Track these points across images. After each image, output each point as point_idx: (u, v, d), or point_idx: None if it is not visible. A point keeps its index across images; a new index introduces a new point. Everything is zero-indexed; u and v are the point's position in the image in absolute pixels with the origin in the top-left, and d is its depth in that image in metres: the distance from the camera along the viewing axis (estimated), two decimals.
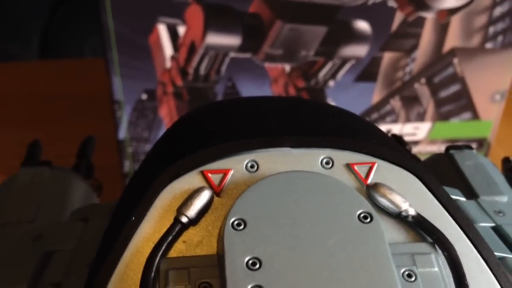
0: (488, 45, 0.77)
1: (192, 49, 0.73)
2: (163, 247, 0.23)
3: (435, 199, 0.26)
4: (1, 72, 0.94)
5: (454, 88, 0.81)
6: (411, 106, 0.82)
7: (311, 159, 0.26)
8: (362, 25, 0.75)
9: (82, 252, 0.29)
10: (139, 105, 0.76)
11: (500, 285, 0.25)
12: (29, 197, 0.36)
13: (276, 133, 0.27)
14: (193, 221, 0.24)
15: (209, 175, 0.25)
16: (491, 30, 0.77)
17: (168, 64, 0.74)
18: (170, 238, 0.24)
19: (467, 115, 0.83)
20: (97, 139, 0.49)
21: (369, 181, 0.26)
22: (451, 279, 0.24)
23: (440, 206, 0.26)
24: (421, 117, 0.84)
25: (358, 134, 0.27)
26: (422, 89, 0.80)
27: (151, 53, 0.73)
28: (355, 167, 0.26)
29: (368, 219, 0.23)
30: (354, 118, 0.30)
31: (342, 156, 0.26)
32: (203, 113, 0.30)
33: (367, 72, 0.79)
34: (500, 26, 0.77)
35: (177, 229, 0.24)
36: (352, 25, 0.74)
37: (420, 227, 0.25)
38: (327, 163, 0.26)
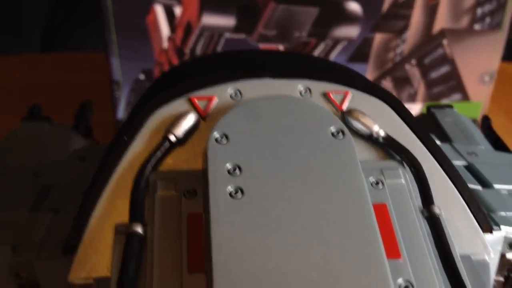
0: (477, 27, 0.79)
1: (188, 30, 0.75)
2: (153, 161, 0.26)
3: (405, 125, 0.28)
4: (2, 65, 0.96)
5: (444, 69, 0.83)
6: (402, 87, 0.84)
7: (290, 88, 0.28)
8: (353, 6, 0.77)
9: (79, 185, 0.31)
10: (137, 85, 0.78)
11: (462, 197, 0.27)
12: (30, 148, 0.38)
13: (259, 67, 0.29)
14: (181, 141, 0.26)
15: (196, 101, 0.28)
16: (479, 11, 0.79)
17: (165, 44, 0.76)
18: (159, 154, 0.26)
19: (457, 96, 0.85)
20: (96, 127, 0.50)
21: (343, 107, 0.28)
22: (418, 193, 0.26)
23: (409, 130, 0.28)
24: (412, 98, 0.86)
25: (335, 68, 0.30)
26: (412, 70, 0.82)
27: (148, 33, 0.75)
28: (331, 95, 0.28)
29: (341, 135, 0.26)
30: (334, 63, 0.32)
31: (319, 86, 0.28)
32: (190, 61, 0.32)
33: (359, 53, 0.81)
34: (487, 7, 0.79)
35: (165, 146, 0.26)
36: (344, 6, 0.76)
37: (389, 147, 0.27)
38: (305, 91, 0.28)
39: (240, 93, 0.28)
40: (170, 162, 0.26)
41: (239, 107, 0.26)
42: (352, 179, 0.24)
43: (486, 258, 0.26)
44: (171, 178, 0.25)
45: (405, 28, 0.79)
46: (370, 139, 0.27)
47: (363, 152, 0.27)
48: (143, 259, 0.23)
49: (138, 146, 0.27)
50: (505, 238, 0.29)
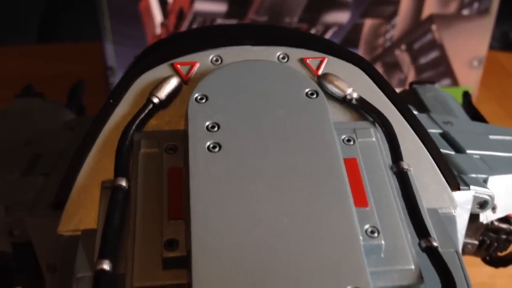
0: (465, 12, 0.81)
1: (180, 16, 0.77)
2: (137, 122, 0.27)
3: (378, 89, 0.30)
4: (1, 54, 0.97)
5: (433, 55, 0.84)
6: (392, 72, 0.85)
7: (269, 54, 0.30)
8: None
9: (69, 152, 0.32)
10: None
11: (431, 155, 0.28)
12: (22, 120, 0.39)
13: (239, 36, 0.30)
14: (164, 103, 0.28)
15: (178, 66, 0.29)
16: None
17: (158, 30, 0.77)
18: (143, 115, 0.27)
19: (446, 81, 0.86)
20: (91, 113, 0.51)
21: (319, 72, 0.29)
22: (389, 152, 0.27)
23: (382, 94, 0.29)
24: (402, 84, 0.87)
25: (313, 38, 0.31)
26: (402, 55, 0.84)
27: (141, 20, 0.77)
28: (308, 61, 0.30)
29: (315, 96, 0.27)
30: (312, 34, 0.34)
31: (297, 52, 0.30)
32: (175, 33, 0.34)
33: (349, 39, 0.82)
34: None
35: (149, 107, 0.27)
36: None
37: (362, 108, 0.28)
38: (283, 57, 0.30)
39: (221, 59, 0.29)
40: (154, 123, 0.28)
41: (218, 69, 0.28)
42: (324, 135, 0.25)
43: (453, 212, 0.27)
44: (154, 137, 0.27)
45: (394, 13, 0.80)
46: (344, 101, 0.29)
47: (337, 114, 0.28)
48: (127, 212, 0.25)
49: (123, 109, 0.28)
50: (475, 197, 0.30)
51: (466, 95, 0.47)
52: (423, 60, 0.84)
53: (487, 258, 0.39)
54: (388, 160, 0.27)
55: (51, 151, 0.34)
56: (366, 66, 0.30)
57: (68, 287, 0.25)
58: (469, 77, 0.86)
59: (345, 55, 0.30)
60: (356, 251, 0.22)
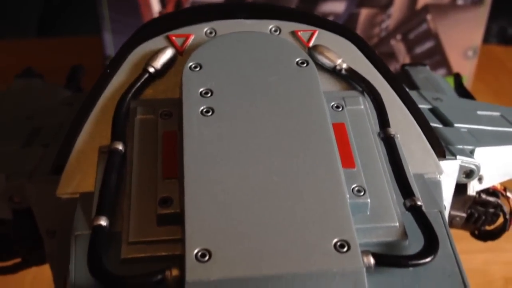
0: (459, 2, 0.82)
1: (178, 5, 0.78)
2: (133, 90, 0.28)
3: (368, 61, 0.30)
4: (0, 49, 0.98)
5: (428, 45, 0.85)
6: (388, 62, 0.86)
7: (261, 27, 0.30)
8: None
9: (67, 125, 0.33)
10: None
11: (418, 123, 0.29)
12: (22, 98, 0.40)
13: (233, 10, 0.31)
14: (159, 73, 0.29)
15: (173, 38, 0.30)
16: None
17: None
18: (139, 84, 0.28)
19: (441, 71, 0.87)
20: None
21: (310, 44, 0.30)
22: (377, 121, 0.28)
23: (371, 65, 0.30)
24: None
25: (305, 13, 0.32)
26: (398, 45, 0.85)
27: (140, 9, 0.78)
28: (299, 33, 0.31)
29: (305, 65, 0.28)
30: (304, 10, 0.35)
31: (288, 26, 0.31)
32: (170, 12, 0.34)
33: None
34: None
35: (145, 76, 0.28)
36: None
37: (351, 78, 0.29)
38: (275, 30, 0.31)
39: (215, 31, 0.30)
40: (150, 92, 0.29)
41: (212, 40, 0.29)
42: (313, 100, 0.26)
43: (438, 177, 0.28)
44: (150, 104, 0.28)
45: (390, 3, 0.81)
46: (333, 71, 0.30)
47: (327, 84, 0.29)
48: (123, 174, 0.25)
49: (120, 78, 0.29)
50: (461, 166, 0.31)
51: (457, 77, 0.48)
52: (419, 49, 0.85)
53: (476, 232, 0.40)
54: (376, 128, 0.28)
55: (50, 125, 0.35)
56: (355, 39, 0.31)
57: (67, 250, 0.26)
58: (464, 67, 0.87)
59: (335, 29, 0.31)
60: (342, 206, 0.23)
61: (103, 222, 0.23)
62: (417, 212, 0.24)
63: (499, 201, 0.38)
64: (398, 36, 0.85)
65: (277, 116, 0.26)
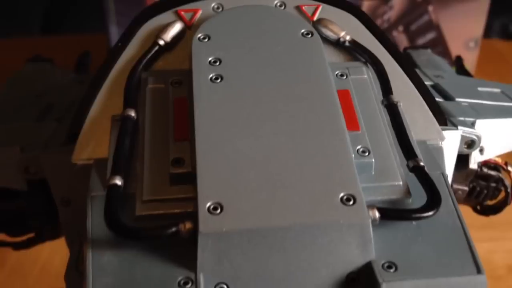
0: None
1: None
2: (144, 61, 0.29)
3: (370, 33, 0.31)
4: (3, 48, 0.99)
5: (430, 36, 0.86)
6: None
7: (267, 2, 0.31)
8: None
9: (78, 101, 0.34)
10: None
11: (419, 92, 0.30)
12: (33, 79, 0.41)
13: None
14: (169, 45, 0.30)
15: (182, 13, 0.31)
16: None
17: None
18: (149, 55, 0.29)
19: None
20: None
21: (314, 18, 0.31)
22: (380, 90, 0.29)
23: (374, 38, 0.31)
24: None
25: None
26: (400, 36, 0.86)
27: (145, 1, 0.79)
28: (304, 8, 0.31)
29: (310, 35, 0.29)
30: None
31: (293, 1, 0.32)
32: None
33: None
34: None
35: (155, 49, 0.29)
36: None
37: (354, 50, 0.30)
38: (280, 5, 0.32)
39: (222, 6, 0.31)
40: (160, 64, 0.30)
41: (220, 13, 0.30)
42: (318, 68, 0.27)
43: (440, 143, 0.29)
44: (161, 74, 0.29)
45: None
46: (337, 44, 0.30)
47: (331, 56, 0.30)
48: (136, 140, 0.26)
49: (131, 51, 0.30)
50: (462, 137, 0.32)
51: (458, 59, 0.48)
52: (421, 41, 0.86)
53: (478, 207, 0.41)
54: (379, 97, 0.29)
55: (62, 101, 0.36)
56: (358, 13, 0.32)
57: (81, 217, 0.27)
58: (466, 58, 0.87)
59: (339, 3, 0.32)
60: (348, 163, 0.23)
61: (118, 181, 0.24)
62: (420, 172, 0.25)
63: (501, 175, 0.39)
64: (400, 28, 0.85)
65: (284, 81, 0.26)
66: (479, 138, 0.33)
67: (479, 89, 0.38)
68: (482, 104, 0.36)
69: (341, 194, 0.23)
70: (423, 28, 0.85)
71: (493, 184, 0.38)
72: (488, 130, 0.34)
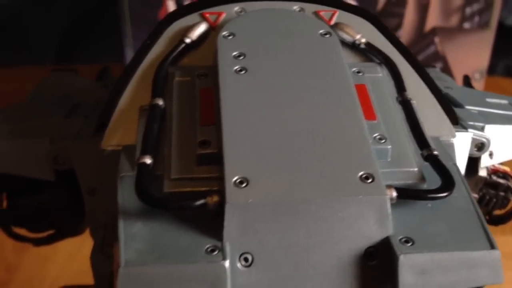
0: (466, 25, 0.85)
1: None
2: (171, 57, 0.31)
3: (385, 38, 0.33)
4: (16, 76, 1.01)
5: (437, 66, 0.88)
6: None
7: (287, 7, 0.33)
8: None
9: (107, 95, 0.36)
10: None
11: (432, 93, 0.32)
12: (60, 85, 0.43)
13: None
14: (195, 43, 0.32)
15: (207, 15, 0.33)
16: (468, 10, 0.85)
17: None
18: (176, 52, 0.31)
19: None
20: None
21: (331, 23, 0.33)
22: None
23: (388, 42, 0.33)
24: None
25: None
26: None
27: None
28: (321, 13, 0.33)
29: (328, 35, 0.31)
30: None
31: (311, 7, 0.34)
32: None
33: None
34: (476, 6, 0.85)
35: (182, 46, 0.31)
36: None
37: (369, 52, 0.32)
38: (299, 11, 0.33)
39: (245, 11, 0.33)
40: (186, 61, 0.31)
41: (243, 14, 0.32)
42: (336, 62, 0.29)
43: (452, 140, 0.31)
44: (187, 68, 0.30)
45: (399, 25, 0.85)
46: (353, 46, 0.32)
47: (347, 57, 0.32)
48: (164, 127, 0.28)
49: (158, 49, 0.32)
50: (473, 139, 0.33)
51: (466, 78, 0.50)
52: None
53: (487, 217, 0.42)
54: (394, 95, 0.31)
55: (89, 101, 0.37)
56: (373, 19, 0.34)
57: (105, 205, 0.28)
58: None
59: (354, 10, 0.34)
60: (365, 145, 0.25)
61: (147, 160, 0.25)
62: (434, 160, 0.26)
63: (510, 184, 0.40)
64: None
65: (304, 73, 0.28)
66: (488, 141, 0.34)
67: (487, 99, 0.40)
68: (490, 112, 0.38)
69: (360, 173, 0.24)
70: (430, 58, 0.87)
71: (502, 193, 0.39)
72: (497, 136, 0.35)
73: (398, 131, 0.28)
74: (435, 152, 0.27)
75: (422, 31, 0.87)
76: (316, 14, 0.33)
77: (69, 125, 0.34)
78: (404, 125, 0.29)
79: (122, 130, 0.29)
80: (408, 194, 0.24)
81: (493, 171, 0.39)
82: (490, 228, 0.43)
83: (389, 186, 0.24)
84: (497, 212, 0.41)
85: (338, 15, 0.34)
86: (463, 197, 0.26)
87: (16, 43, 1.27)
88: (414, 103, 0.30)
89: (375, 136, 0.27)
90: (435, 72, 0.50)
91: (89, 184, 0.32)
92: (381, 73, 0.31)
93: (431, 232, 0.24)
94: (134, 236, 0.23)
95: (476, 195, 0.39)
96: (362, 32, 0.33)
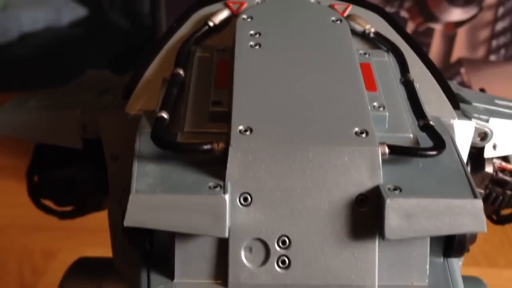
0: (492, 58, 0.87)
1: None
2: (195, 37, 0.34)
3: (395, 32, 0.36)
4: None
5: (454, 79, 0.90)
6: None
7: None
8: None
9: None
10: None
11: (435, 79, 0.34)
12: (95, 79, 0.47)
13: None
14: (217, 27, 0.35)
15: (230, 4, 0.36)
16: (494, 43, 0.87)
17: None
18: (200, 33, 0.34)
19: None
20: None
21: (344, 15, 0.36)
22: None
23: (397, 34, 0.35)
24: None
25: None
26: None
27: None
28: (336, 6, 0.36)
29: (339, 22, 0.33)
30: None
31: (327, 1, 0.37)
32: None
33: None
34: (502, 40, 0.86)
35: (205, 28, 0.34)
36: None
37: (378, 41, 0.34)
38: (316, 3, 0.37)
39: (265, 1, 0.36)
40: (208, 42, 0.35)
41: (262, 3, 0.35)
42: (343, 43, 0.32)
43: (452, 121, 0.32)
44: (208, 46, 0.33)
45: None
46: (363, 35, 0.35)
47: (356, 45, 0.35)
48: (183, 94, 0.31)
49: (183, 30, 0.35)
50: (476, 128, 0.35)
51: (482, 91, 0.52)
52: None
53: (494, 218, 0.43)
54: (398, 77, 0.33)
55: (118, 85, 0.40)
56: (384, 14, 0.36)
57: (125, 170, 0.31)
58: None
59: (367, 5, 0.37)
60: (363, 106, 0.27)
61: (165, 114, 0.28)
62: (429, 129, 0.28)
63: None
64: None
65: (312, 51, 0.31)
66: (491, 131, 0.36)
67: (496, 101, 0.42)
68: (497, 110, 0.39)
69: (356, 129, 0.26)
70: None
71: (509, 192, 0.40)
72: (501, 129, 0.37)
73: (397, 103, 0.30)
74: (431, 123, 0.29)
75: (448, 61, 0.88)
76: (331, 6, 0.36)
77: (99, 101, 0.37)
78: (405, 101, 0.31)
79: (146, 97, 0.32)
80: (399, 150, 0.26)
81: (500, 169, 0.40)
82: (491, 248, 0.44)
83: (382, 143, 0.26)
84: (504, 211, 0.42)
85: (351, 9, 0.36)
86: (454, 161, 0.27)
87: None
88: (417, 85, 0.32)
89: (374, 105, 0.29)
90: (453, 85, 0.51)
91: (112, 150, 0.34)
92: (387, 58, 0.33)
93: (419, 184, 0.25)
94: (146, 173, 0.25)
95: (482, 191, 0.40)
96: (373, 24, 0.35)
